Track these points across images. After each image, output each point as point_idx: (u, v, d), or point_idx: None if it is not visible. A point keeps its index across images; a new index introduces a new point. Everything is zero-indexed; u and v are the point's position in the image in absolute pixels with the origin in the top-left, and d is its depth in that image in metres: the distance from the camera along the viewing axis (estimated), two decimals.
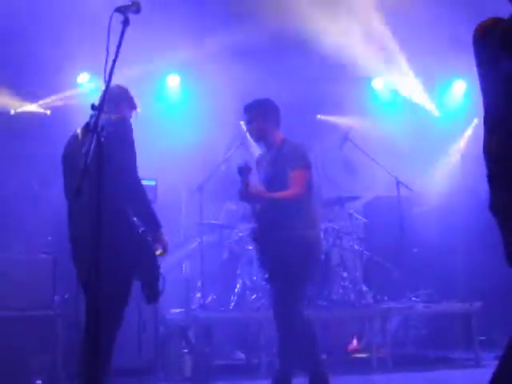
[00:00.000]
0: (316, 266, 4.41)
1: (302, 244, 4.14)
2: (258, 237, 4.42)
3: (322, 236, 6.26)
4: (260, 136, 4.41)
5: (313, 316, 5.92)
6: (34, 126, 7.58)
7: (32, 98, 7.65)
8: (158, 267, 3.70)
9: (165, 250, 3.80)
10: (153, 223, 3.71)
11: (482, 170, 2.46)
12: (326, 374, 4.18)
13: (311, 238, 4.22)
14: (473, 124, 8.30)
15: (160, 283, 3.69)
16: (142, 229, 3.61)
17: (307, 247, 4.18)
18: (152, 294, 3.68)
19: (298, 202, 4.18)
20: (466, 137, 8.42)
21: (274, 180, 4.31)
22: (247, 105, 4.44)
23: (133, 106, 3.93)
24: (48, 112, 7.78)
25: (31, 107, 7.71)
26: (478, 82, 2.49)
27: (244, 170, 4.21)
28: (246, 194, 4.20)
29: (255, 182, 4.34)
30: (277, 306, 4.22)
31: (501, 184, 2.36)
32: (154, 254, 3.69)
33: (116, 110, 3.68)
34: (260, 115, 4.35)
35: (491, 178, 2.41)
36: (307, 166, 4.25)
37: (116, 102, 3.71)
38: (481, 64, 2.45)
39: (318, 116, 8.52)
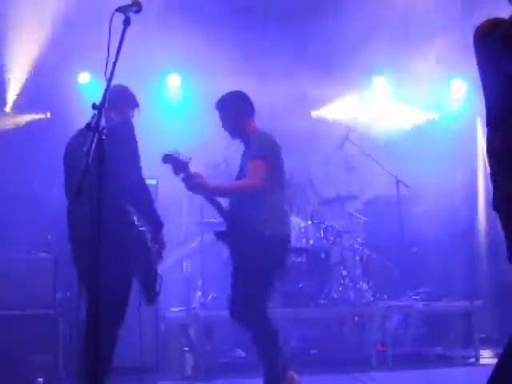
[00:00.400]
0: (279, 265, 4.06)
1: (262, 242, 3.89)
2: (221, 235, 4.17)
3: (324, 233, 6.29)
4: (236, 132, 4.22)
5: (313, 315, 6.01)
6: (35, 126, 7.59)
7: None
8: (155, 268, 3.72)
9: (162, 250, 3.80)
10: (155, 223, 3.72)
11: (483, 167, 2.47)
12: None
13: (272, 236, 3.93)
14: (477, 124, 8.30)
15: (157, 284, 3.70)
16: (141, 228, 3.63)
17: (268, 245, 3.91)
18: (149, 294, 3.68)
19: (257, 196, 3.90)
20: (467, 136, 8.42)
21: (241, 175, 4.13)
22: (219, 101, 4.24)
23: (134, 105, 3.94)
24: (48, 115, 7.77)
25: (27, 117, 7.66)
26: (478, 82, 2.50)
27: (169, 159, 3.94)
28: (189, 185, 3.94)
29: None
30: (235, 304, 4.04)
31: (504, 182, 2.37)
32: (150, 254, 3.70)
33: (117, 109, 3.69)
34: (233, 110, 4.17)
35: (494, 176, 2.42)
36: (265, 157, 3.95)
37: (117, 101, 3.71)
38: (482, 63, 2.46)
39: (312, 113, 8.47)
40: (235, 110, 4.18)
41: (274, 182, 3.99)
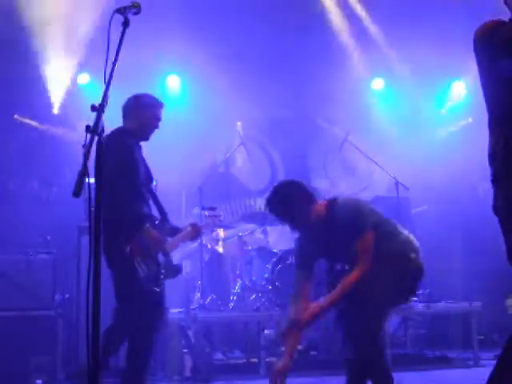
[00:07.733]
0: None
1: None
2: None
3: None
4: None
5: None
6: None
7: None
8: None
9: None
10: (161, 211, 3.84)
11: (481, 169, 2.47)
12: None
13: None
14: (474, 124, 8.30)
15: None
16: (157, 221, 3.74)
17: None
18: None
19: None
20: (466, 137, 8.43)
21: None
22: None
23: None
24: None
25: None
26: (477, 82, 2.49)
27: None
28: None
29: None
30: None
31: (504, 185, 2.36)
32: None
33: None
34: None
35: (495, 178, 2.41)
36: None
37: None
38: (482, 65, 2.45)
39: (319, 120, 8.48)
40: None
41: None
